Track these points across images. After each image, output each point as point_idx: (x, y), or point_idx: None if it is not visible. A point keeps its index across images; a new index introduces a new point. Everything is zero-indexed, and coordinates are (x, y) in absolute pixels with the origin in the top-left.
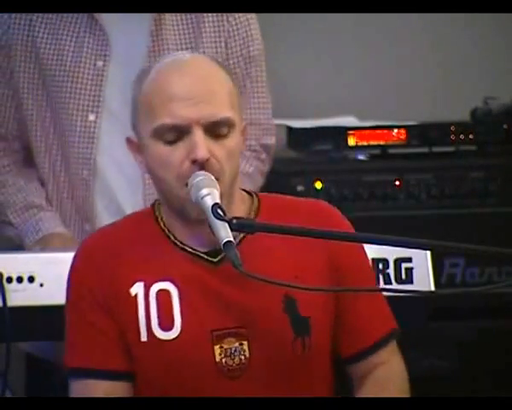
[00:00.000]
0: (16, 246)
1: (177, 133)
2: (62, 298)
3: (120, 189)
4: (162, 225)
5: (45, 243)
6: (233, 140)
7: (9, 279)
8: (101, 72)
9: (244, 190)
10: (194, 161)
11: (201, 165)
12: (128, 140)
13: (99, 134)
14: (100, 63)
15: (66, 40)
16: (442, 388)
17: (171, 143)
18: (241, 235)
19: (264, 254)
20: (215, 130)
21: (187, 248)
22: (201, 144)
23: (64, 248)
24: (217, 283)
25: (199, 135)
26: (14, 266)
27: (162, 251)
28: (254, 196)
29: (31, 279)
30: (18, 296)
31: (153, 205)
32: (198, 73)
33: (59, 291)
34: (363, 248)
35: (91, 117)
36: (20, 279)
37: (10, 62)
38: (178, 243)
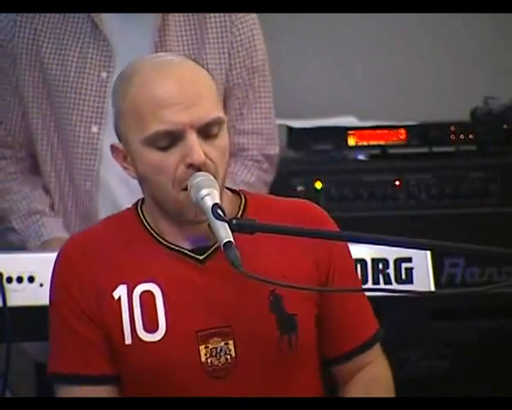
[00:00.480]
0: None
1: (171, 139)
2: None
3: (124, 199)
4: (146, 224)
5: (47, 247)
6: (223, 139)
7: (9, 279)
8: (104, 83)
9: (229, 189)
10: (190, 165)
11: (198, 168)
12: (113, 147)
13: (102, 145)
14: (104, 74)
15: (70, 51)
16: (442, 388)
17: (164, 148)
18: None
19: (251, 252)
20: (207, 131)
21: (172, 246)
22: (197, 148)
23: None
24: (202, 281)
25: (193, 139)
26: (14, 266)
27: (146, 251)
28: (242, 195)
29: (31, 279)
30: (18, 296)
31: (135, 205)
32: (184, 75)
33: None
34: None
35: (94, 129)
36: (20, 279)
37: (16, 70)
38: (163, 242)
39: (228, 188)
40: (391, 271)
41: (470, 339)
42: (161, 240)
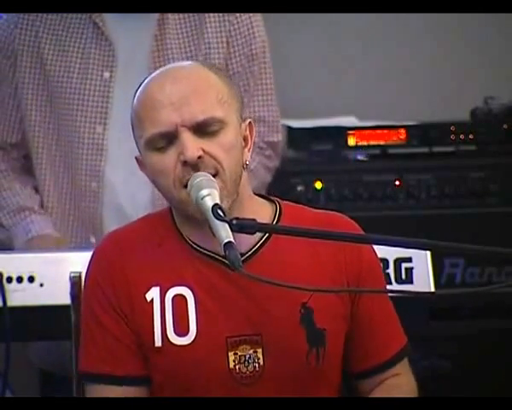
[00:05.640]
0: (6, 247)
1: (167, 139)
2: (62, 298)
3: (129, 199)
4: (179, 227)
5: (34, 244)
6: (227, 136)
7: (9, 279)
8: (107, 83)
9: (263, 197)
10: (185, 163)
11: (193, 165)
12: (136, 159)
13: (107, 146)
14: (107, 74)
15: (72, 52)
16: (442, 388)
17: (162, 149)
18: (261, 241)
19: (284, 263)
20: (204, 129)
21: (204, 251)
22: (189, 145)
23: (64, 249)
24: (233, 288)
25: (186, 137)
26: (14, 266)
27: (179, 254)
28: (276, 203)
29: (31, 279)
30: (18, 296)
31: (170, 207)
32: (179, 77)
33: (59, 291)
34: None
35: (99, 129)
36: (20, 279)
37: (16, 73)
38: (195, 246)
39: (262, 195)
40: (391, 271)
41: (470, 339)
42: (192, 243)
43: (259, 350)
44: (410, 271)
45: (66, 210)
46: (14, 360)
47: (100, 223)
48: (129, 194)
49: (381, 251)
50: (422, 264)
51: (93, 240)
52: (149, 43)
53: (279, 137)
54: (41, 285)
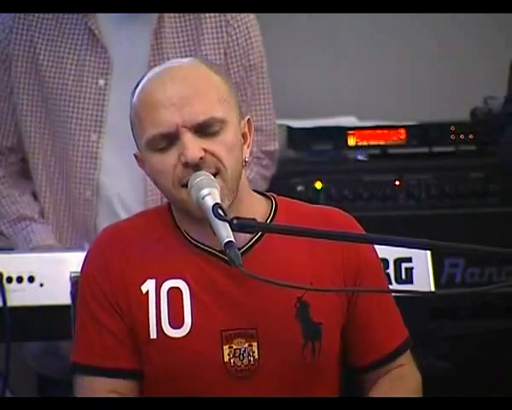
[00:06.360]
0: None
1: (168, 140)
2: (62, 298)
3: (123, 208)
4: (177, 222)
5: None
6: (227, 135)
7: (9, 279)
8: (102, 91)
9: (259, 193)
10: (186, 164)
11: (195, 166)
12: (135, 156)
13: (102, 154)
14: (101, 82)
15: (67, 59)
16: (442, 388)
17: (163, 150)
18: (256, 237)
19: (279, 259)
20: (205, 129)
21: (201, 245)
22: (190, 146)
23: (64, 248)
24: (229, 282)
25: (187, 138)
26: (14, 266)
27: (176, 248)
28: (272, 199)
29: (31, 279)
30: (18, 296)
31: (168, 203)
32: (179, 77)
33: (59, 291)
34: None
35: (94, 137)
36: (20, 279)
37: (11, 77)
38: (194, 242)
39: (258, 191)
40: (391, 271)
41: (470, 339)
42: (191, 239)
43: (254, 344)
44: (410, 271)
45: (60, 216)
46: (13, 361)
47: (94, 231)
48: (123, 202)
49: (381, 251)
50: (422, 264)
51: (87, 247)
52: (146, 52)
53: (276, 146)
54: (41, 285)
